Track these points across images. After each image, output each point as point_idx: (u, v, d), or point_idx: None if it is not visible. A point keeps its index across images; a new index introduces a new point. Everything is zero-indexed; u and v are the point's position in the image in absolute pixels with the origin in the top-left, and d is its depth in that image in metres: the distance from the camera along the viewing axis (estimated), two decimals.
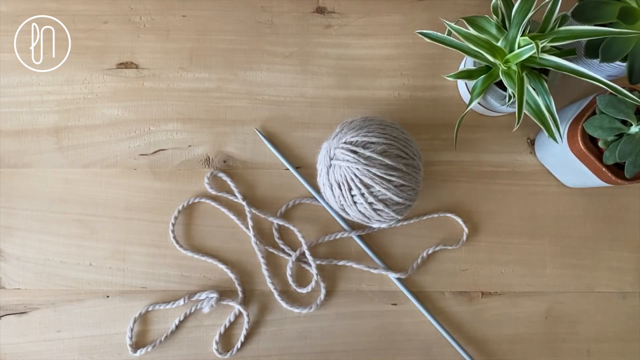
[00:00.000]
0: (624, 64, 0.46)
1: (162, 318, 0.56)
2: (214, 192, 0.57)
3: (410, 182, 0.47)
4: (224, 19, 0.59)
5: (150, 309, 0.55)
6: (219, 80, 0.58)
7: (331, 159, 0.48)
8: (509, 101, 0.48)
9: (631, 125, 0.45)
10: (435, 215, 0.57)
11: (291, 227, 0.56)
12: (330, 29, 0.59)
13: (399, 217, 0.50)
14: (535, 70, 0.47)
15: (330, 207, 0.56)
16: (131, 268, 0.56)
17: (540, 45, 0.41)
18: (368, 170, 0.46)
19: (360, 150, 0.46)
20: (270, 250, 0.56)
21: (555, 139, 0.46)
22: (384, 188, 0.46)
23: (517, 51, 0.44)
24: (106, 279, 0.56)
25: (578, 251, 0.57)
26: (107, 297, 0.56)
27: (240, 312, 0.56)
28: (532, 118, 0.46)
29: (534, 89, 0.46)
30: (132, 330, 0.55)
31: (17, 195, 0.57)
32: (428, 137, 0.58)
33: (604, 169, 0.47)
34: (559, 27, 0.45)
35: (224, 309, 0.56)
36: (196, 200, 0.56)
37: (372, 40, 0.59)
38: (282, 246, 0.57)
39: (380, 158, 0.46)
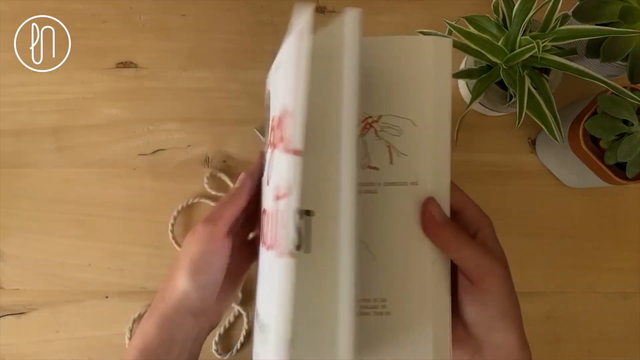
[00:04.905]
0: (625, 63, 0.45)
1: None
2: (213, 192, 0.56)
3: None
4: (224, 18, 0.59)
5: None
6: (218, 80, 0.58)
7: None
8: (509, 101, 0.48)
9: (632, 124, 0.45)
10: None
11: None
12: None
13: None
14: (536, 69, 0.46)
15: None
16: (130, 268, 0.56)
17: (541, 45, 0.41)
18: None
19: None
20: None
21: (556, 139, 0.45)
22: None
23: (518, 50, 0.43)
24: (105, 280, 0.56)
25: (579, 251, 0.57)
26: (106, 297, 0.56)
27: (240, 313, 0.55)
28: (533, 118, 0.46)
29: (535, 89, 0.46)
30: (131, 330, 0.55)
31: (16, 195, 0.57)
32: None
33: (605, 169, 0.46)
34: (559, 26, 0.44)
35: None
36: (195, 200, 0.56)
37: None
38: None
39: None
